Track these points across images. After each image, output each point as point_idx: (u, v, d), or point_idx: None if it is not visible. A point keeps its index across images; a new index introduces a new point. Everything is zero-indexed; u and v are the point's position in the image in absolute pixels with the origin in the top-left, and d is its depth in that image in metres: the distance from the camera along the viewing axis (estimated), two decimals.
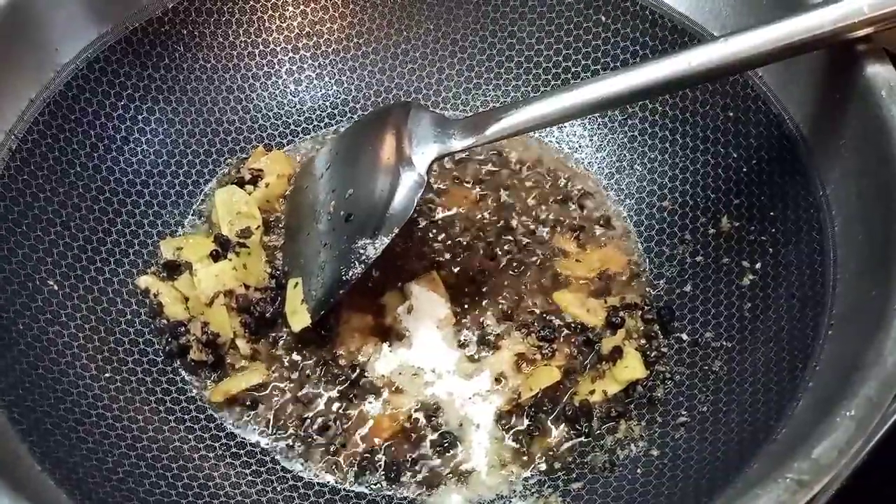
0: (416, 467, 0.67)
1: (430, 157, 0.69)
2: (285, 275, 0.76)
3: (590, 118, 0.87)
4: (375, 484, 0.66)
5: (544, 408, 0.69)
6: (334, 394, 0.71)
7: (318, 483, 0.67)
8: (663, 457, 0.65)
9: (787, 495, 0.45)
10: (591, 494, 0.64)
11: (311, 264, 0.73)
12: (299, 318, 0.72)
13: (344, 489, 0.66)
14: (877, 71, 0.63)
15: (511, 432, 0.68)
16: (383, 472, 0.67)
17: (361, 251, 0.68)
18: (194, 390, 0.71)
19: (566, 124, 0.87)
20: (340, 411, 0.70)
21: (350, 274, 0.69)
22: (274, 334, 0.74)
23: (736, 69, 0.67)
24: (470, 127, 0.70)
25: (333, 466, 0.67)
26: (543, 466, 0.67)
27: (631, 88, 0.65)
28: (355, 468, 0.67)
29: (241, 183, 0.82)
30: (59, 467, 0.56)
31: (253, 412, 0.70)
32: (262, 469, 0.67)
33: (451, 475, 0.67)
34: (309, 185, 0.80)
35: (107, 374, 0.68)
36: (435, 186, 0.84)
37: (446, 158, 0.84)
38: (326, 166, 0.79)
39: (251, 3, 0.86)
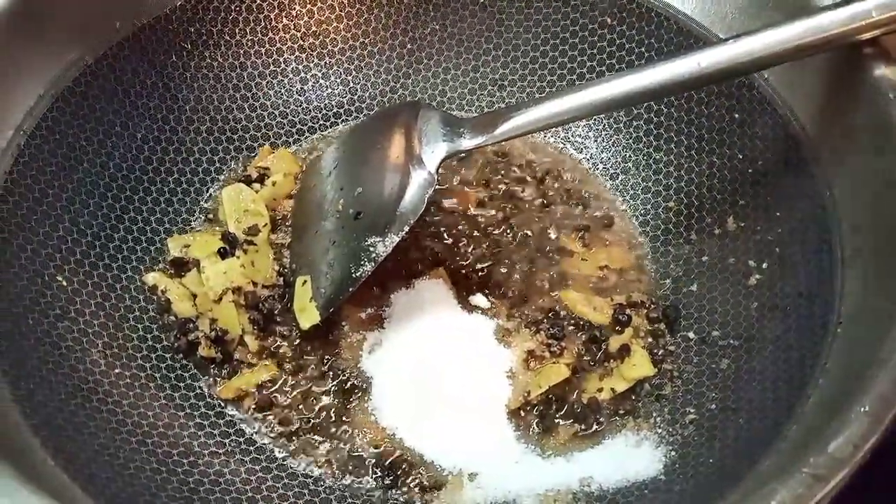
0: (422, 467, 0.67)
1: (440, 156, 0.70)
2: (293, 273, 0.76)
3: (595, 119, 0.87)
4: (381, 482, 0.66)
5: (553, 405, 0.70)
6: (338, 390, 0.71)
7: (325, 480, 0.67)
8: (673, 454, 0.65)
9: (804, 489, 0.46)
10: (601, 492, 0.65)
11: (320, 262, 0.73)
12: (308, 315, 0.72)
13: (349, 487, 0.66)
14: (883, 73, 0.64)
15: (521, 430, 0.69)
16: (389, 471, 0.67)
17: (371, 249, 0.69)
18: (203, 387, 0.71)
19: (571, 125, 0.88)
20: (345, 408, 0.70)
21: (360, 272, 0.69)
22: (282, 331, 0.74)
23: (744, 71, 0.67)
24: (480, 126, 0.70)
25: (338, 464, 0.67)
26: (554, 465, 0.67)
27: (640, 89, 0.65)
28: (360, 467, 0.67)
29: (247, 181, 0.82)
30: (72, 462, 0.56)
31: (261, 408, 0.70)
32: (272, 465, 0.67)
33: (459, 474, 0.67)
34: (316, 184, 0.80)
35: (116, 371, 0.68)
36: (441, 187, 0.85)
37: (454, 158, 0.84)
38: (334, 165, 0.79)
39: (258, 1, 0.86)
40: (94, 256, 0.73)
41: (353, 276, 0.69)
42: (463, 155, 0.85)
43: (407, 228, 0.68)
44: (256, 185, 0.82)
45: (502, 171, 0.86)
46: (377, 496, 0.66)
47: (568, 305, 0.75)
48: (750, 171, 0.75)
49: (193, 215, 0.81)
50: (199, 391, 0.71)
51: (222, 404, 0.70)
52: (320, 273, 0.73)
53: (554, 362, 0.71)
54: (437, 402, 0.69)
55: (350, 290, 0.70)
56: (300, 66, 0.89)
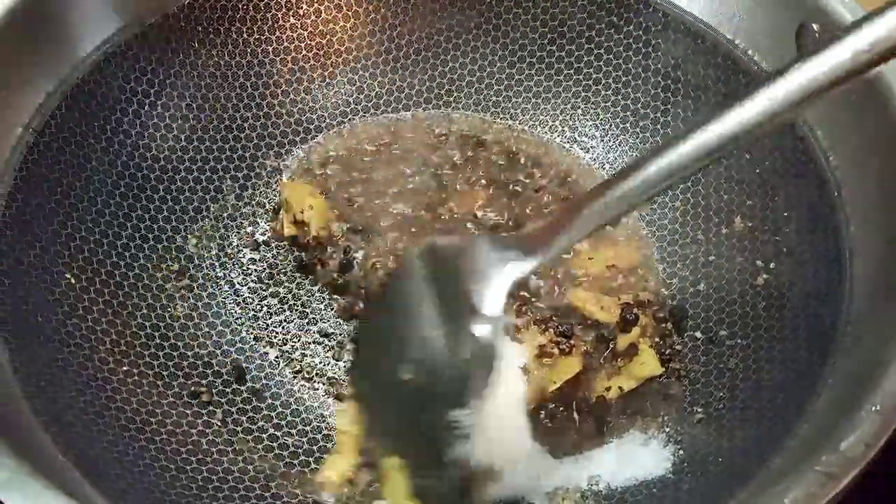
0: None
1: (502, 295, 0.58)
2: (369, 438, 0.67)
3: (602, 119, 0.87)
4: None
5: (561, 403, 0.70)
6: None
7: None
8: (681, 453, 0.65)
9: (817, 487, 0.46)
10: (609, 491, 0.65)
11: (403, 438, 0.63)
12: None
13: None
14: (895, 73, 0.64)
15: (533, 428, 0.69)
16: None
17: (456, 424, 0.57)
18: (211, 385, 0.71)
19: (577, 124, 0.88)
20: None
21: (455, 454, 0.58)
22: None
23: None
24: (533, 240, 0.59)
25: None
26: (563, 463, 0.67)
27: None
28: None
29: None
30: (82, 459, 0.56)
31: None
32: (280, 464, 0.67)
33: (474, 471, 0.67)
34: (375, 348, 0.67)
35: (124, 368, 0.68)
36: (448, 188, 0.85)
37: (458, 159, 0.86)
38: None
39: (265, 0, 0.86)
40: (103, 254, 0.73)
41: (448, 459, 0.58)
42: (467, 156, 0.85)
43: (489, 388, 0.57)
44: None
45: (508, 171, 0.86)
46: None
47: (575, 304, 0.75)
48: (757, 170, 0.75)
49: (201, 213, 0.81)
50: (206, 388, 0.71)
51: (230, 403, 0.70)
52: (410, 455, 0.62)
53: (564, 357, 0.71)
54: None
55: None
56: (307, 65, 0.89)
